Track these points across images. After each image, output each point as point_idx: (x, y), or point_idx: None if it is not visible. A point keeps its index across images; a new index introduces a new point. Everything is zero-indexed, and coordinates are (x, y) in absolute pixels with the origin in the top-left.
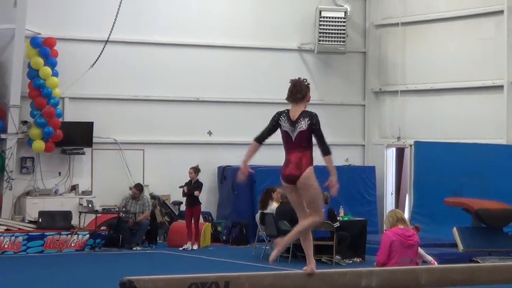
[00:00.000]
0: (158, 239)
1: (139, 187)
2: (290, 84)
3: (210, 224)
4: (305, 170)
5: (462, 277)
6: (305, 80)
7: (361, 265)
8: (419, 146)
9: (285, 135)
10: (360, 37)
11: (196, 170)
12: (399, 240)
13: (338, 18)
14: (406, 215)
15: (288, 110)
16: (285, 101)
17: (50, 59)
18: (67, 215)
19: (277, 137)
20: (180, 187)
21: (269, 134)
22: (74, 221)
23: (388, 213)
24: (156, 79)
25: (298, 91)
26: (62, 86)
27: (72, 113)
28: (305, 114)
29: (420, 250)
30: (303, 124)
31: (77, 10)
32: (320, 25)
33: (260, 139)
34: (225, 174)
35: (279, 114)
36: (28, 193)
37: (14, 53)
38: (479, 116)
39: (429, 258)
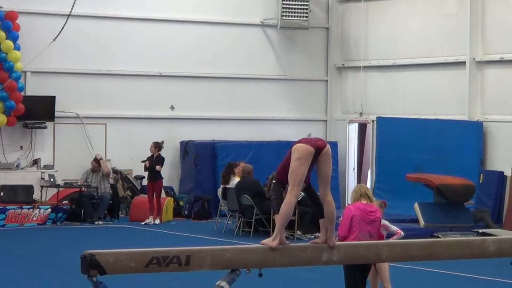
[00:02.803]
0: (120, 214)
1: (98, 160)
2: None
3: (172, 198)
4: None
5: (423, 252)
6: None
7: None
8: (381, 121)
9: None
10: (323, 13)
11: (157, 145)
12: (360, 215)
13: None
14: None
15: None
16: (247, 76)
17: (12, 33)
18: (28, 189)
19: (239, 112)
20: (142, 161)
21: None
22: (36, 195)
23: (354, 188)
24: (119, 54)
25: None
26: (24, 60)
27: (34, 87)
28: None
29: (385, 221)
30: None
31: None
32: (283, 0)
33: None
34: (188, 149)
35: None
36: None
37: None
38: (441, 92)
39: (394, 228)
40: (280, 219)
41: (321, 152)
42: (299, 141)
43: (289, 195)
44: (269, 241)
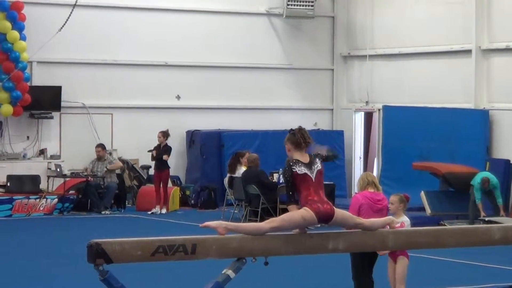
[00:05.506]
0: (126, 203)
1: (101, 146)
2: (299, 132)
3: (178, 188)
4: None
5: (428, 240)
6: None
7: (328, 229)
8: (388, 110)
9: (304, 177)
10: (328, 1)
11: (165, 134)
12: (367, 203)
13: None
14: None
15: (295, 159)
16: (253, 65)
17: (17, 23)
18: (35, 179)
19: (245, 101)
20: (149, 151)
21: (295, 190)
22: (43, 185)
23: (360, 176)
24: (125, 43)
25: (309, 137)
26: (30, 50)
27: (40, 77)
28: (313, 156)
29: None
30: (319, 164)
31: None
32: None
33: (296, 201)
34: (194, 138)
35: (289, 165)
36: None
37: None
38: (447, 81)
39: None
40: (243, 228)
41: (327, 222)
42: (312, 202)
43: (265, 224)
44: (216, 224)
